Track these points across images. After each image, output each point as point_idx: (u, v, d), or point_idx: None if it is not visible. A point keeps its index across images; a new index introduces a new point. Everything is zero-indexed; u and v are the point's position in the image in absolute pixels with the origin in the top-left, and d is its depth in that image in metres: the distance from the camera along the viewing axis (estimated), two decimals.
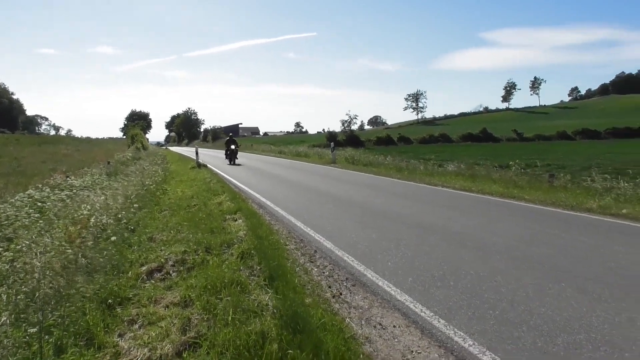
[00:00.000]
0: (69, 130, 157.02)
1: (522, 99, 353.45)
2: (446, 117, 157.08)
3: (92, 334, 3.63)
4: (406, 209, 9.62)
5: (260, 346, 3.27)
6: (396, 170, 18.50)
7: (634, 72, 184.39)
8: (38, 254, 4.75)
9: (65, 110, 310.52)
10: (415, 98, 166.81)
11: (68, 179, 12.23)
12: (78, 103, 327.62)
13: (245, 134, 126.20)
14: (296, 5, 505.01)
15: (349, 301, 4.56)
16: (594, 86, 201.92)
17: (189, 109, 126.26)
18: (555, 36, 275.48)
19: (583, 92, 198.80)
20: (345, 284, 5.06)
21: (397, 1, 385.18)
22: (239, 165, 23.76)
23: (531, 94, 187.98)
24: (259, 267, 5.19)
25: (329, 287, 4.95)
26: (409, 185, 14.07)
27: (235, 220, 8.10)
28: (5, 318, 3.57)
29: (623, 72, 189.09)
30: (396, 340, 3.71)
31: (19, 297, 3.94)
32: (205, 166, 22.19)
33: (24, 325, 3.58)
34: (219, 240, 6.37)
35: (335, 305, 4.39)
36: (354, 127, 74.80)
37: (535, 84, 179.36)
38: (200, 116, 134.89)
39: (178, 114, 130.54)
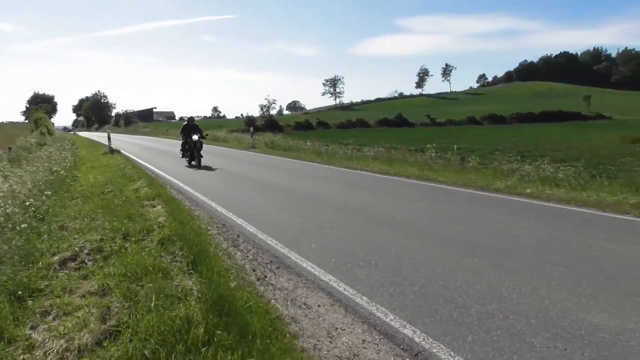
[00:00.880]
0: None
1: (434, 85, 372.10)
2: (363, 102, 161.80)
3: (0, 328, 3.40)
4: (328, 191, 9.90)
5: (186, 330, 3.26)
6: (316, 155, 18.80)
7: (535, 60, 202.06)
8: None
9: None
10: (333, 83, 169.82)
11: None
12: None
13: (160, 119, 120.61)
14: None
15: (274, 283, 4.67)
16: (500, 73, 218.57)
17: (99, 91, 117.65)
18: (465, 24, 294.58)
19: (490, 79, 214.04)
20: (269, 266, 5.16)
21: None
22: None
23: (443, 80, 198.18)
24: (181, 253, 5.10)
25: (254, 270, 5.02)
26: (329, 169, 14.43)
27: (154, 206, 7.84)
28: None
29: (525, 60, 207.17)
30: (321, 318, 3.88)
31: None
32: (118, 152, 21.09)
33: None
34: (138, 227, 6.14)
35: (261, 288, 4.48)
36: (273, 112, 75.02)
37: (447, 71, 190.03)
38: (110, 100, 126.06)
39: (87, 97, 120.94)
